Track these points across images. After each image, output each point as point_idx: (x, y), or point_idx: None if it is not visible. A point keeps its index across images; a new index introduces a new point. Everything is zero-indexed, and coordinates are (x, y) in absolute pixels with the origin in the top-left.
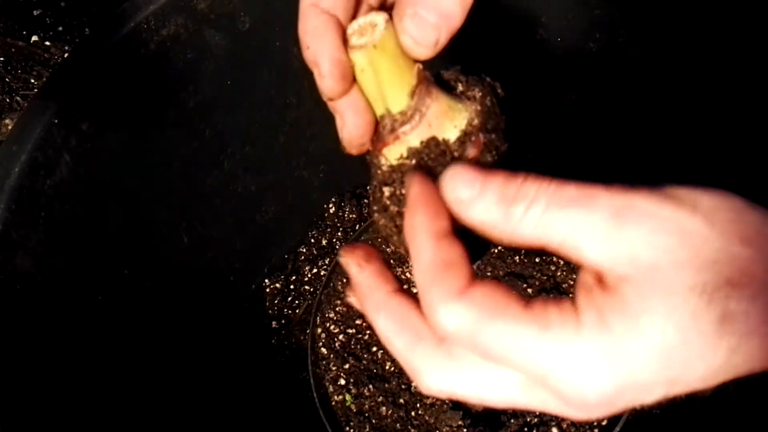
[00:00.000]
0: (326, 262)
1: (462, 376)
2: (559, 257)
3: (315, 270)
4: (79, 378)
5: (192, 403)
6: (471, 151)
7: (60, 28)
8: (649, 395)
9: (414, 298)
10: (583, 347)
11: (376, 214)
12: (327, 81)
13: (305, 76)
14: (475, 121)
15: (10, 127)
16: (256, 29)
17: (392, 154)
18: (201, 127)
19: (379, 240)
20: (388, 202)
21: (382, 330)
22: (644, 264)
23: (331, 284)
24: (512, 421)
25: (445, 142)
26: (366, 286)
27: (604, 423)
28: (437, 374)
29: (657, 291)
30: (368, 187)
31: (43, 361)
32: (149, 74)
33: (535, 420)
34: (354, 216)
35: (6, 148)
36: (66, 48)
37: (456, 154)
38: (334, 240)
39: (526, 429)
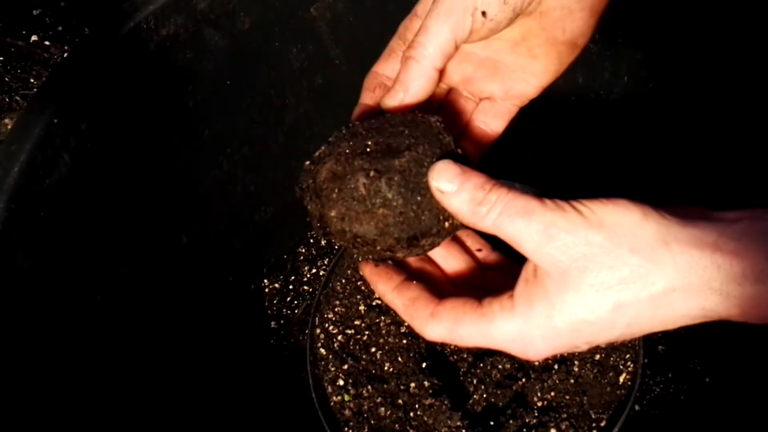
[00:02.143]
0: (325, 263)
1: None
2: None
3: (314, 270)
4: (78, 378)
5: (191, 403)
6: None
7: (59, 28)
8: (577, 349)
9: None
10: (517, 327)
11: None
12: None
13: (304, 76)
14: None
15: (9, 127)
16: (255, 29)
17: None
18: (200, 127)
19: None
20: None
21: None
22: (561, 268)
23: (330, 285)
24: (511, 422)
25: None
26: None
27: (602, 424)
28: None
29: (569, 287)
30: None
31: (43, 360)
32: (149, 74)
33: (534, 421)
34: None
35: (5, 148)
36: (65, 48)
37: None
38: (333, 241)
39: (524, 430)
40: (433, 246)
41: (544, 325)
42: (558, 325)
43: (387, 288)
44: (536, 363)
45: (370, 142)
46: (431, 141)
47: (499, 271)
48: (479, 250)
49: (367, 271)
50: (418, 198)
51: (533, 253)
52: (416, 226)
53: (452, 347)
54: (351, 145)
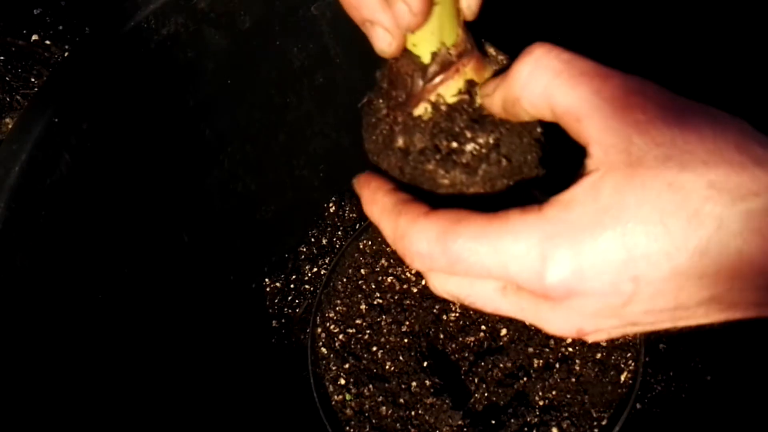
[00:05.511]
0: (326, 262)
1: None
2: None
3: (315, 269)
4: (79, 377)
5: (192, 402)
6: None
7: (60, 27)
8: (616, 295)
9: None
10: (543, 231)
11: (431, 164)
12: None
13: (305, 75)
14: None
15: (10, 126)
16: (256, 28)
17: (450, 90)
18: (201, 126)
19: (380, 239)
20: (454, 145)
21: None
22: (633, 157)
23: (332, 284)
24: (512, 420)
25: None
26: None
27: (604, 423)
28: (438, 279)
29: (635, 182)
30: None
31: (43, 360)
32: (149, 73)
33: (536, 420)
34: (354, 215)
35: (6, 147)
36: (66, 47)
37: None
38: (335, 239)
39: (526, 429)
40: None
41: (579, 234)
42: (605, 233)
43: (380, 186)
44: (537, 362)
45: None
46: None
47: None
48: None
49: (362, 179)
50: None
51: (599, 130)
52: None
53: (453, 346)
54: None
